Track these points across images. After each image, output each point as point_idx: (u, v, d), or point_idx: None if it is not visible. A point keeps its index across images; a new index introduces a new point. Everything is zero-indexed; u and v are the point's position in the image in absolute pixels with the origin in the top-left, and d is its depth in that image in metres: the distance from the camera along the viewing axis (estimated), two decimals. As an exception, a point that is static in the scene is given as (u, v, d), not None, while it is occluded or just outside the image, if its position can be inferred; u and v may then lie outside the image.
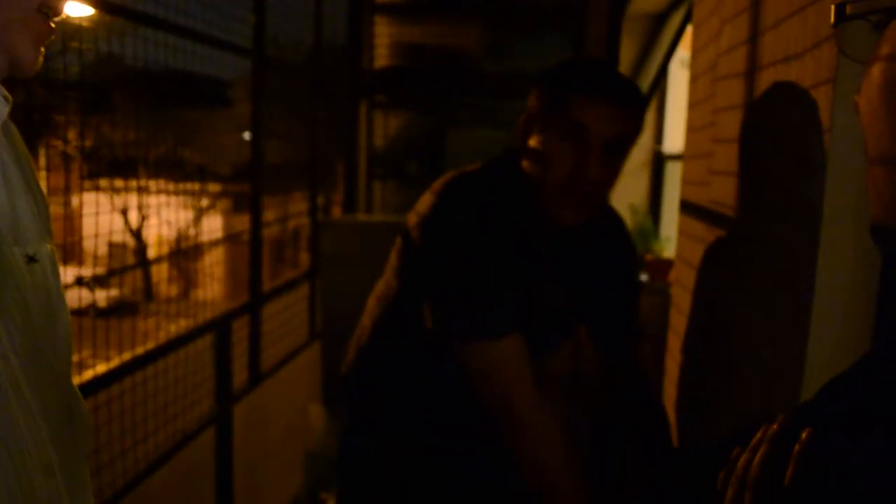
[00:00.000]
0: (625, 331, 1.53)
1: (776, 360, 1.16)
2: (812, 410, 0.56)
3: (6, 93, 0.76)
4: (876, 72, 0.37)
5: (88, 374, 1.80)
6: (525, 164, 1.33)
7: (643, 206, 3.68)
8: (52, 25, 0.73)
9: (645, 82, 3.70)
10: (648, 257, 3.18)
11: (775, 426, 0.55)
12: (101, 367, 1.85)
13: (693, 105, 1.97)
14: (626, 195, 3.68)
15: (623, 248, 1.54)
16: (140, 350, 2.05)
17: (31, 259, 0.77)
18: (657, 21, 3.67)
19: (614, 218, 1.55)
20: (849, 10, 0.37)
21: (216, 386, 2.54)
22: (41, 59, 0.73)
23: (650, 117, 3.78)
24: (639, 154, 3.86)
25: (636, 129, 1.30)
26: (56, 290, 0.83)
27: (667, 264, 3.03)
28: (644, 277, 3.15)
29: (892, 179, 0.38)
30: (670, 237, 3.29)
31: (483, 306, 1.26)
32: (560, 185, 1.26)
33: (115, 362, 1.90)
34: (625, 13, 3.55)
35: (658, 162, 3.79)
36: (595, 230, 1.43)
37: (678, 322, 1.98)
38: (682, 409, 1.78)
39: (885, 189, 0.38)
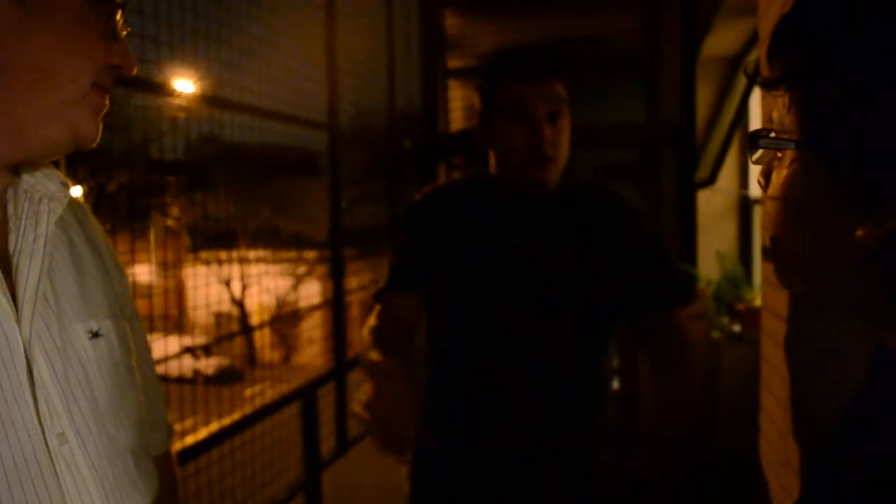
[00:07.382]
0: (649, 297, 1.52)
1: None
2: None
3: (65, 178, 0.80)
4: (779, 177, 0.57)
5: (176, 446, 1.86)
6: (490, 151, 1.54)
7: (732, 253, 3.53)
8: (107, 101, 0.78)
9: (724, 124, 3.60)
10: (740, 307, 3.04)
11: None
12: (189, 439, 1.91)
13: (767, 148, 1.90)
14: (713, 241, 3.54)
15: (619, 217, 1.58)
16: (226, 420, 2.11)
17: (96, 335, 0.80)
18: (732, 63, 3.59)
19: (604, 190, 1.62)
20: (759, 143, 0.57)
21: (304, 453, 2.57)
22: (100, 130, 0.78)
23: (732, 161, 3.66)
24: (724, 199, 3.73)
25: (565, 94, 1.49)
26: (125, 366, 0.84)
27: (760, 313, 2.88)
28: (736, 328, 3.00)
29: (775, 212, 0.57)
30: (763, 284, 3.14)
31: (387, 277, 1.63)
32: (523, 158, 1.46)
33: (202, 434, 1.96)
34: (698, 58, 3.50)
35: (745, 206, 3.65)
36: (580, 196, 1.57)
37: (769, 376, 1.87)
38: (779, 470, 1.67)
39: (772, 216, 0.58)
